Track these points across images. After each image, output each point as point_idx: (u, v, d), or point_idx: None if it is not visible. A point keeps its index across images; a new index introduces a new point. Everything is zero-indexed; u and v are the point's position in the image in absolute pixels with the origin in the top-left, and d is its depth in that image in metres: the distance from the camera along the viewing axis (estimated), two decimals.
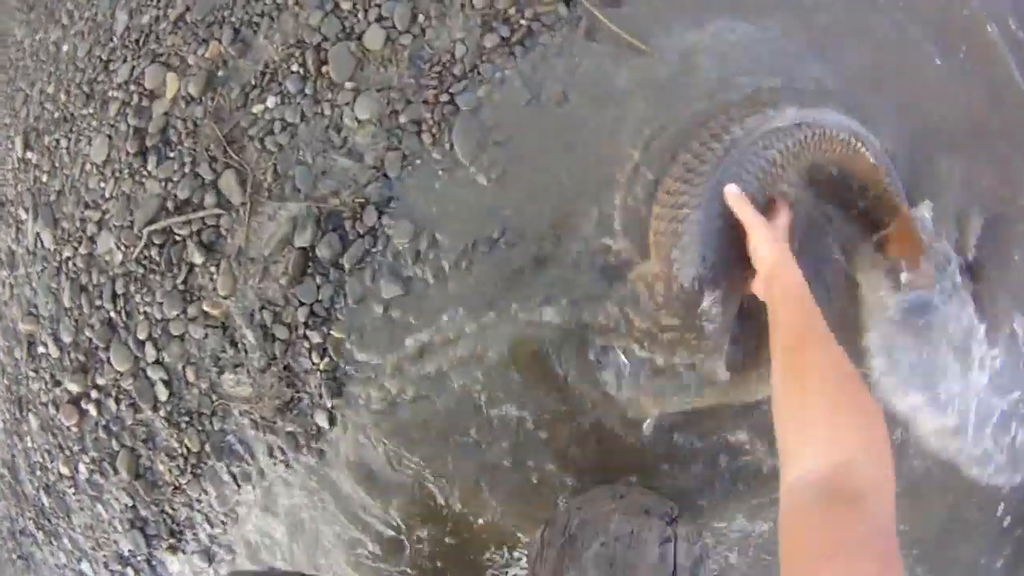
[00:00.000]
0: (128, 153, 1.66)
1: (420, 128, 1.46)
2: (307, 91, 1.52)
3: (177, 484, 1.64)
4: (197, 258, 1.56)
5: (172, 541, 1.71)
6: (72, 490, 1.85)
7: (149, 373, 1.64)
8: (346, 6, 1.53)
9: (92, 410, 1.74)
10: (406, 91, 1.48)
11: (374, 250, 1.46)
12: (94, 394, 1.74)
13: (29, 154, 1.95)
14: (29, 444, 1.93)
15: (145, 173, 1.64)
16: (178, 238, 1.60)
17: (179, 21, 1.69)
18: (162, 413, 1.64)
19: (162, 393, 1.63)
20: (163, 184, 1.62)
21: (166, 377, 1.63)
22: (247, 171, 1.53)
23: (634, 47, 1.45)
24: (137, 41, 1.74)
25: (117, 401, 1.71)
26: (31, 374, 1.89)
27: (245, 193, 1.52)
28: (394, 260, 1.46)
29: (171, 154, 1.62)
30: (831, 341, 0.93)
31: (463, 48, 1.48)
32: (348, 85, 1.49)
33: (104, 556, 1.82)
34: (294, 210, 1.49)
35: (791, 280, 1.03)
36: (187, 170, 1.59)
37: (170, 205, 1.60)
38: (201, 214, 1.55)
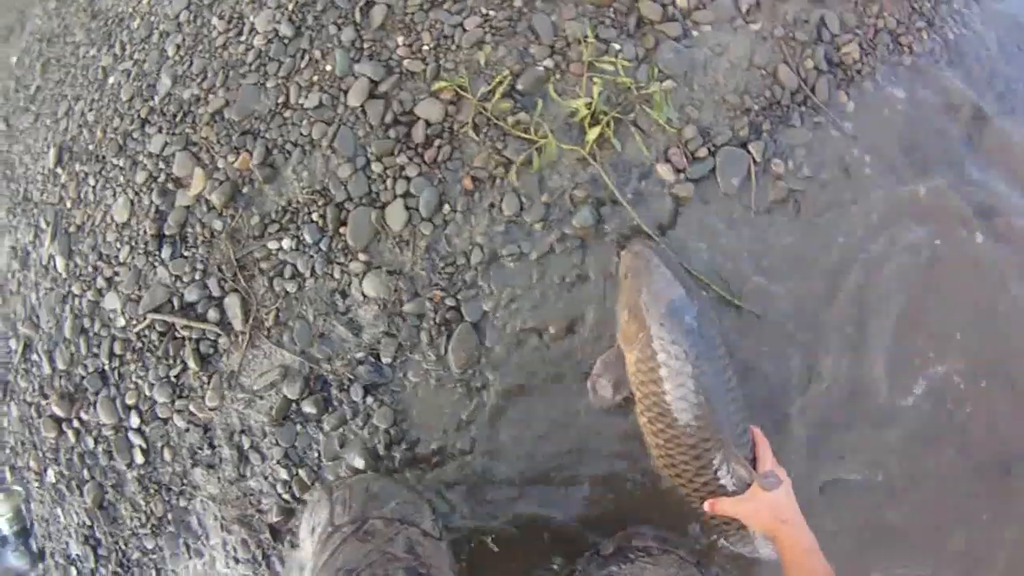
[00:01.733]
0: (146, 231, 1.71)
1: (421, 324, 1.50)
2: (322, 246, 1.53)
3: (135, 531, 1.85)
4: (192, 363, 1.65)
5: (119, 571, 1.94)
6: (37, 485, 2.05)
7: (130, 436, 1.80)
8: (377, 168, 1.51)
9: (71, 435, 1.90)
10: (416, 282, 1.50)
11: (353, 422, 1.55)
12: (76, 424, 1.89)
13: (59, 170, 1.99)
14: (5, 426, 2.11)
15: (158, 259, 1.69)
16: (178, 335, 1.69)
17: (217, 114, 1.66)
18: (135, 473, 1.81)
19: (139, 457, 1.79)
20: (173, 279, 1.68)
21: (144, 446, 1.78)
22: (252, 302, 1.59)
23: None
24: (175, 116, 1.72)
25: (96, 442, 1.86)
26: (21, 370, 2.03)
27: (247, 323, 1.59)
28: (369, 437, 1.56)
29: (185, 253, 1.66)
30: None
31: (480, 255, 1.48)
32: (362, 256, 1.51)
33: (53, 548, 2.05)
34: (288, 360, 1.57)
35: (807, 538, 1.13)
36: (197, 276, 1.64)
37: (176, 302, 1.67)
38: (203, 326, 1.63)
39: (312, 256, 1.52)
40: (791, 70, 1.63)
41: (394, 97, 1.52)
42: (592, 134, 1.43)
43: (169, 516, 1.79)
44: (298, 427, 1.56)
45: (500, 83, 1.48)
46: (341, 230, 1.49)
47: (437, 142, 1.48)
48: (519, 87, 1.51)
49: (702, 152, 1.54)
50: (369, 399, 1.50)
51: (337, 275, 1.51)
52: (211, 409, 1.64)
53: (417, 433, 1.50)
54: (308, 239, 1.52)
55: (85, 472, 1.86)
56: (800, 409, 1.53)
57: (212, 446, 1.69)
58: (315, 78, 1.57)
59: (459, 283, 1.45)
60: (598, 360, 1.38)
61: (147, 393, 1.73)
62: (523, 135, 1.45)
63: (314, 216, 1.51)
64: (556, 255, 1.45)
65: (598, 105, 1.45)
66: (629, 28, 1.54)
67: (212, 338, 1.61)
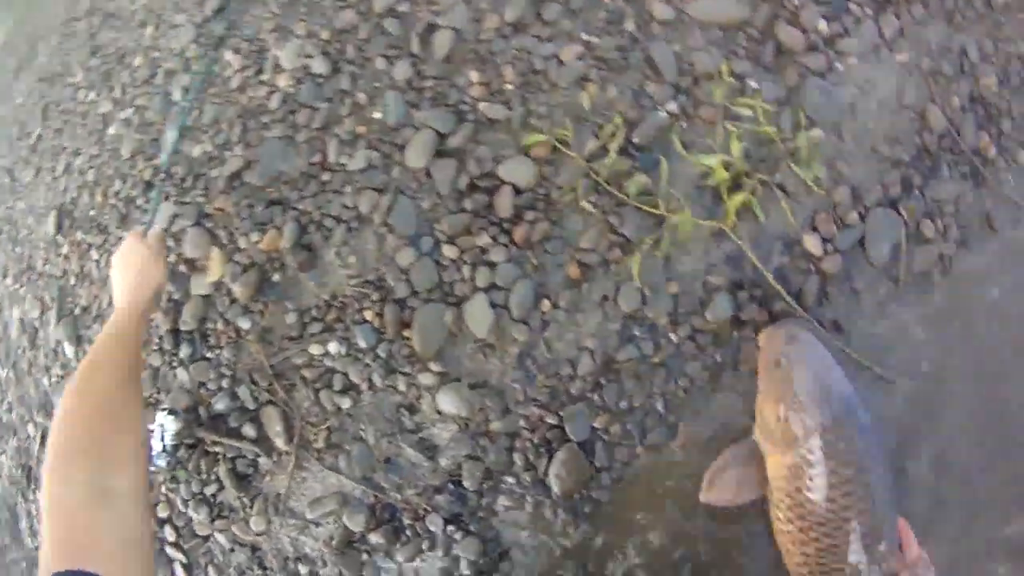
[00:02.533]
0: (159, 324, 1.04)
1: (514, 446, 0.88)
2: (380, 353, 0.91)
3: None
4: (229, 483, 1.02)
5: None
6: None
7: (167, 551, 1.17)
8: (449, 253, 0.86)
9: None
10: (506, 396, 0.88)
11: (431, 553, 0.95)
12: None
13: (60, 238, 1.31)
14: (33, 512, 1.47)
15: (177, 360, 1.03)
16: (209, 450, 1.04)
17: (235, 179, 1.00)
18: None
19: (181, 572, 1.17)
20: (196, 384, 1.02)
21: (185, 562, 1.16)
22: (295, 417, 0.95)
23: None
24: (183, 180, 1.04)
25: None
26: (41, 459, 1.38)
27: (291, 442, 0.95)
28: (450, 566, 0.95)
29: (207, 354, 1.02)
30: None
31: (590, 363, 0.85)
32: (434, 367, 0.88)
33: None
34: (347, 486, 0.94)
35: None
36: (224, 384, 1.00)
37: (202, 412, 1.02)
38: (237, 444, 0.99)
39: (369, 365, 0.88)
40: (939, 110, 0.99)
41: (469, 155, 0.85)
42: (735, 201, 0.79)
43: None
44: (363, 555, 0.94)
45: (613, 134, 0.81)
46: (404, 333, 0.83)
47: (530, 215, 0.82)
48: (634, 139, 0.84)
49: (852, 217, 0.90)
50: (451, 528, 0.87)
51: (403, 388, 0.89)
52: (258, 534, 1.01)
53: (512, 569, 0.88)
54: (362, 343, 0.89)
55: None
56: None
57: (263, 567, 1.05)
58: (360, 129, 0.90)
59: (562, 396, 0.81)
60: (726, 451, 0.89)
61: (180, 508, 1.07)
62: (646, 207, 0.79)
63: (367, 314, 0.85)
64: (684, 355, 0.82)
65: (740, 162, 0.80)
66: (766, 60, 0.88)
67: (250, 457, 0.95)
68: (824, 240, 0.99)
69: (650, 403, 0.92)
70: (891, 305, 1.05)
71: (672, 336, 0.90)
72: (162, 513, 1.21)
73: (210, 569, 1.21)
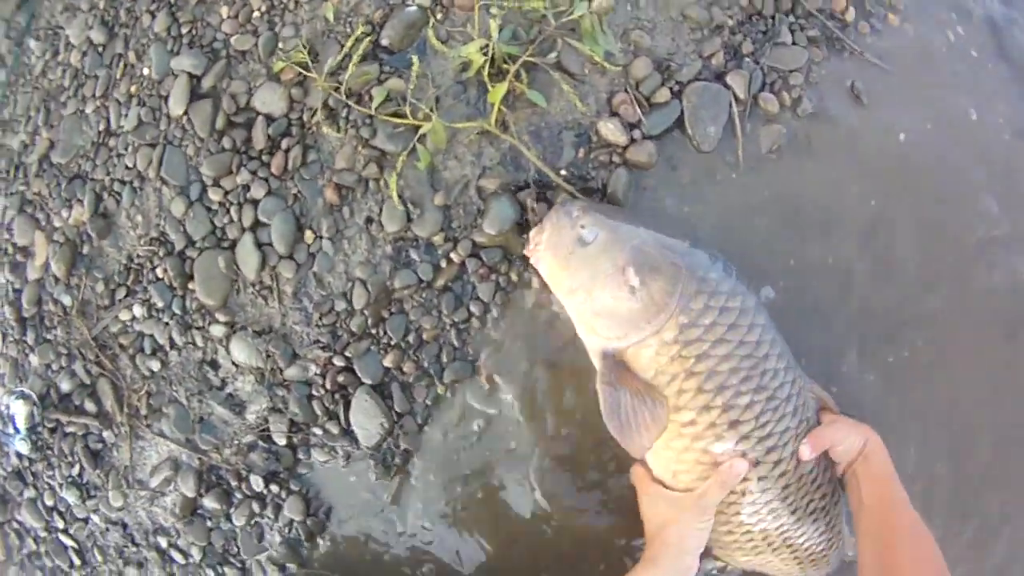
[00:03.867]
0: (8, 315, 1.08)
1: (312, 394, 0.83)
2: (175, 309, 0.89)
3: None
4: (86, 463, 1.04)
5: None
6: None
7: (61, 538, 1.21)
8: (215, 196, 0.83)
9: (13, 538, 1.32)
10: (291, 340, 0.83)
11: (263, 516, 0.92)
12: (16, 526, 1.31)
13: None
14: None
15: (26, 345, 1.07)
16: (67, 431, 1.06)
17: (44, 161, 1.03)
18: (80, 574, 1.23)
19: (75, 558, 1.20)
20: (44, 367, 1.05)
21: (76, 546, 1.18)
22: (122, 387, 0.95)
23: None
24: (7, 172, 1.07)
25: (36, 543, 1.28)
26: None
27: (123, 412, 0.95)
28: (286, 529, 0.92)
29: (48, 336, 1.04)
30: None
31: (364, 294, 0.79)
32: (221, 316, 0.84)
33: None
34: (175, 451, 0.93)
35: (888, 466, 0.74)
36: (64, 363, 1.02)
37: (53, 393, 1.05)
38: (82, 420, 1.01)
39: (167, 323, 0.86)
40: None
41: (223, 92, 0.81)
42: (497, 92, 0.70)
43: None
44: (208, 523, 0.92)
45: (356, 42, 0.75)
46: (190, 285, 0.80)
47: (284, 143, 0.77)
48: (385, 42, 0.77)
49: (663, 95, 0.78)
50: (274, 487, 0.84)
51: (200, 343, 0.85)
52: (118, 510, 1.02)
53: (336, 525, 0.83)
54: (159, 302, 0.86)
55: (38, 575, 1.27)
56: None
57: (135, 542, 1.07)
58: (133, 88, 0.87)
59: (344, 335, 0.76)
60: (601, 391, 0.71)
61: (61, 494, 1.11)
62: (395, 118, 0.72)
63: (158, 272, 0.83)
64: (471, 276, 0.74)
65: (500, 48, 0.71)
66: None
67: (96, 432, 0.96)
68: (629, 126, 0.87)
69: (443, 335, 0.83)
70: (731, 192, 0.90)
71: (452, 255, 0.82)
72: (49, 501, 1.26)
73: (95, 551, 1.25)
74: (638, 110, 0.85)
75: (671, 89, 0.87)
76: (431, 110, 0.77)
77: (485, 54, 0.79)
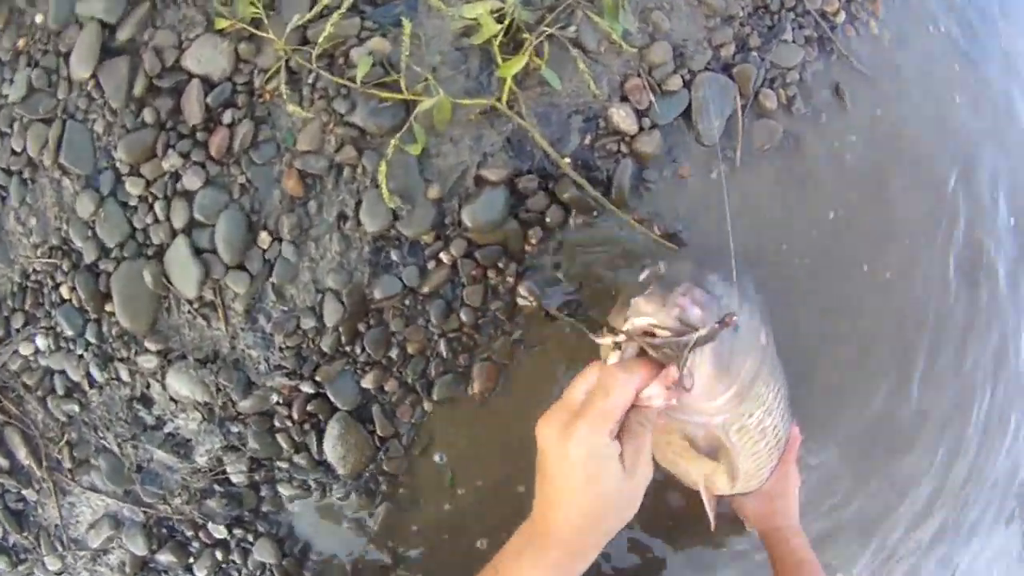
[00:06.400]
0: None
1: (274, 426, 0.46)
2: (90, 338, 0.48)
3: None
4: (9, 525, 0.60)
5: None
6: None
7: None
8: (134, 189, 0.43)
9: None
10: (245, 367, 0.46)
11: (228, 563, 0.54)
12: None
13: None
14: None
15: None
16: None
17: None
18: None
19: None
20: None
21: None
22: (34, 436, 0.53)
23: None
24: None
25: None
26: None
27: (41, 466, 0.53)
28: (257, 571, 0.54)
29: None
30: None
31: (338, 307, 0.44)
32: (151, 344, 0.45)
33: None
34: (112, 506, 0.53)
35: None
36: None
37: None
38: None
39: (82, 356, 0.43)
40: None
41: (144, 46, 0.39)
42: (512, 66, 0.35)
43: None
44: None
45: None
46: (107, 307, 0.39)
47: (228, 116, 0.37)
48: None
49: (674, 82, 0.48)
50: (238, 531, 0.44)
51: (127, 377, 0.43)
52: (57, 573, 0.57)
53: (319, 563, 0.47)
54: (68, 330, 0.42)
55: None
56: None
57: None
58: (21, 43, 0.43)
59: (313, 357, 0.38)
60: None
61: None
62: (382, 93, 0.36)
63: (64, 291, 0.41)
64: (463, 279, 0.40)
65: (517, 11, 0.36)
66: None
67: (14, 491, 0.52)
68: (639, 113, 0.61)
69: (430, 347, 0.52)
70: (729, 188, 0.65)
71: (442, 256, 0.51)
72: None
73: None
74: (651, 96, 0.58)
75: (683, 77, 0.61)
76: (432, 81, 0.45)
77: (500, 20, 0.47)
